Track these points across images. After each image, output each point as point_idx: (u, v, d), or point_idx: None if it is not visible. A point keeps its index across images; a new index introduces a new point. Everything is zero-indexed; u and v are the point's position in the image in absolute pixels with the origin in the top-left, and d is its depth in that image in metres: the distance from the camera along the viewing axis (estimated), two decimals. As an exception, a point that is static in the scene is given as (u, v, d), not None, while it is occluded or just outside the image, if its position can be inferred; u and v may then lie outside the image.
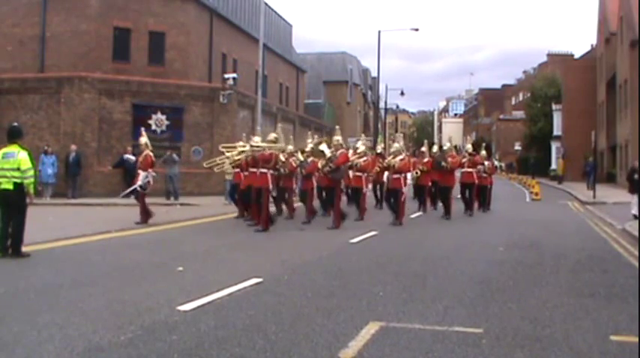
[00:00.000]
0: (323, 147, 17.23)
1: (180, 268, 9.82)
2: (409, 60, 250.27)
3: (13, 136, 11.29)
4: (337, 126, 20.57)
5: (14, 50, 30.76)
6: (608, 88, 47.28)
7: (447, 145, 21.81)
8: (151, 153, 17.23)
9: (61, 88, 27.59)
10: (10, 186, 10.77)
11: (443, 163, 20.08)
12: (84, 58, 30.04)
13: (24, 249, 11.02)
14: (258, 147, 15.96)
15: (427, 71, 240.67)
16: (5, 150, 11.06)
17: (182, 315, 6.86)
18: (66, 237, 13.60)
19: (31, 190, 11.02)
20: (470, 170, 21.24)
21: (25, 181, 10.84)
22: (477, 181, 21.31)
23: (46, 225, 15.28)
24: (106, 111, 27.85)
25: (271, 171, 15.60)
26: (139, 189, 16.90)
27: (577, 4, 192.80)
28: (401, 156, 18.02)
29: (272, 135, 16.47)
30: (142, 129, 18.79)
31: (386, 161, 18.97)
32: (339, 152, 16.93)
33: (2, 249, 10.80)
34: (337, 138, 17.69)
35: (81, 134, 27.20)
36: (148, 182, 16.95)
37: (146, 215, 16.79)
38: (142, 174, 16.89)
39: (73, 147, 26.27)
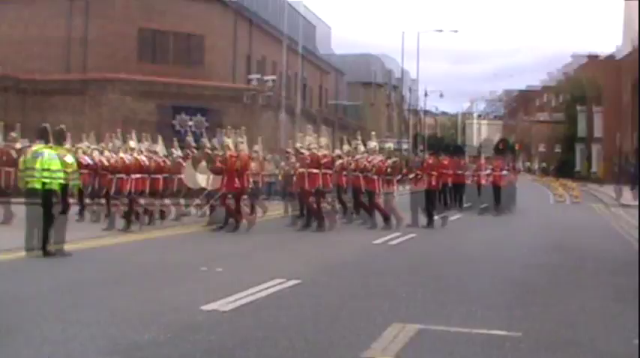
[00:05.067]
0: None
1: (204, 268, 9.75)
2: (450, 62, 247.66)
3: (58, 139, 11.43)
4: (241, 127, 17.85)
5: (41, 51, 30.64)
6: (633, 89, 46.53)
7: (228, 140, 16.03)
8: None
9: (87, 89, 27.74)
10: (56, 187, 10.90)
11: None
12: (111, 59, 29.87)
13: (51, 248, 10.78)
14: None
15: (469, 73, 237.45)
16: (50, 151, 11.14)
17: (207, 315, 6.82)
18: (91, 237, 13.34)
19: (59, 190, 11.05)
20: (315, 171, 15.59)
21: (71, 182, 11.08)
22: (330, 185, 16.02)
23: (74, 225, 14.90)
24: (134, 113, 27.52)
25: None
26: None
27: (603, 6, 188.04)
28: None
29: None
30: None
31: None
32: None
33: (40, 248, 10.86)
34: (85, 143, 15.75)
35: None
36: None
37: None
38: None
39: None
